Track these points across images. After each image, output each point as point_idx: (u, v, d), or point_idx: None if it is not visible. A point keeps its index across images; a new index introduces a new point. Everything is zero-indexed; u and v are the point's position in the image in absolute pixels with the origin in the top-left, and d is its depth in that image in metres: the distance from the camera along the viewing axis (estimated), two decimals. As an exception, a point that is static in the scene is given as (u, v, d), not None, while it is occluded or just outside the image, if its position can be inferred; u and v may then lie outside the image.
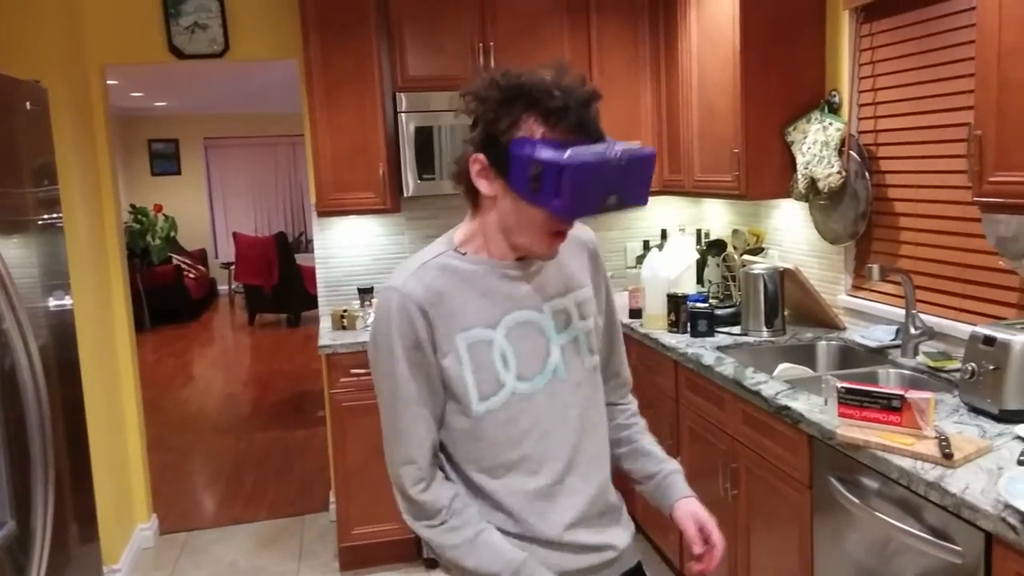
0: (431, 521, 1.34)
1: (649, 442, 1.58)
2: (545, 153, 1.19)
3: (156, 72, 7.30)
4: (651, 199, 4.06)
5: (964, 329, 2.31)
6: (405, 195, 3.56)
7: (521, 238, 1.31)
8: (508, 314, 1.34)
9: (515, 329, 1.34)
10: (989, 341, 1.96)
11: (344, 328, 3.59)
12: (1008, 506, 1.47)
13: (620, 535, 1.45)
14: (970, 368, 2.01)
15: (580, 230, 1.45)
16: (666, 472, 1.54)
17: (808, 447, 2.12)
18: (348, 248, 3.93)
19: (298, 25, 3.49)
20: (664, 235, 3.93)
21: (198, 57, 3.70)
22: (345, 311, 3.61)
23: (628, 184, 1.23)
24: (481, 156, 1.27)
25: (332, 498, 3.93)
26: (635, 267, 3.98)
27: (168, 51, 3.68)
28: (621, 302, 3.70)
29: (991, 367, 1.94)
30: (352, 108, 3.47)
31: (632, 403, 1.63)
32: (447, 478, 1.38)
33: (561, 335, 1.37)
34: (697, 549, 1.46)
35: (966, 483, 1.60)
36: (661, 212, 4.19)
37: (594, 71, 3.70)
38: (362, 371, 3.38)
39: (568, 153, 1.18)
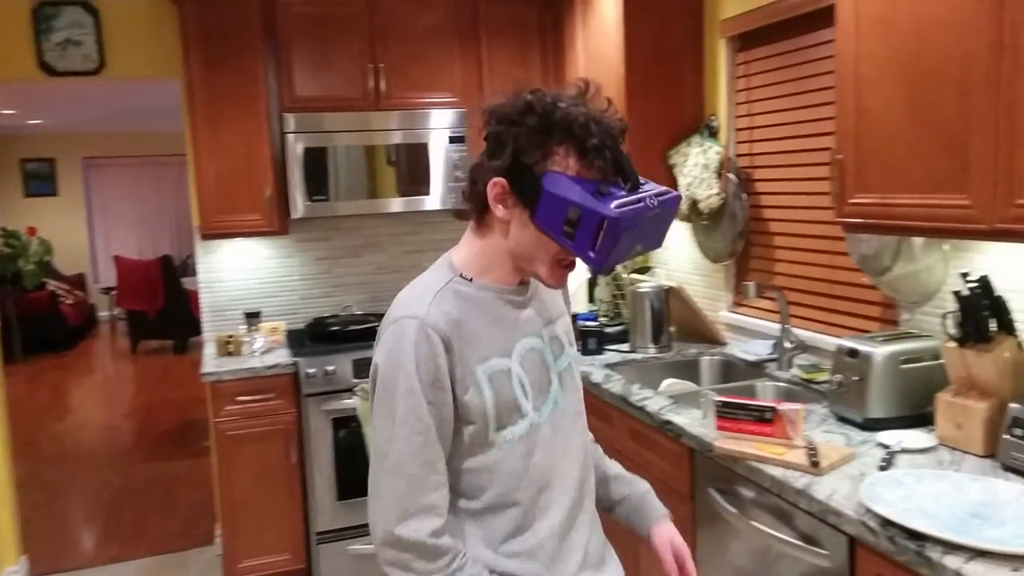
0: (437, 564, 1.20)
1: (614, 465, 1.53)
2: (588, 200, 1.13)
3: (30, 89, 6.89)
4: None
5: (833, 342, 2.43)
6: (293, 217, 3.48)
7: (532, 266, 1.26)
8: (519, 341, 1.28)
9: (526, 357, 1.29)
10: (853, 353, 2.07)
11: (230, 354, 3.47)
12: (869, 510, 1.54)
13: (616, 570, 1.44)
14: (837, 379, 2.12)
15: None
16: (639, 493, 1.50)
17: (689, 460, 2.18)
18: (234, 271, 3.81)
19: (179, 42, 3.38)
20: (556, 256, 3.99)
21: (71, 75, 3.52)
22: (231, 337, 3.49)
23: (654, 231, 1.20)
24: (503, 181, 1.20)
25: (218, 531, 3.77)
26: (528, 287, 4.02)
27: (38, 68, 3.49)
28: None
29: (855, 378, 2.05)
30: (237, 128, 3.38)
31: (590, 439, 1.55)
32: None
33: (558, 362, 1.34)
34: None
35: (832, 489, 1.68)
36: (553, 233, 4.24)
37: (485, 93, 3.73)
38: (248, 399, 3.27)
39: (614, 205, 1.13)
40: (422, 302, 1.23)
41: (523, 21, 3.76)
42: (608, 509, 1.51)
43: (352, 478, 3.33)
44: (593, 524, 1.40)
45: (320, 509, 3.34)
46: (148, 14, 3.58)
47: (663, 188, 1.20)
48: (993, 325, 1.82)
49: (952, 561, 1.35)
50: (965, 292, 1.82)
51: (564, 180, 1.16)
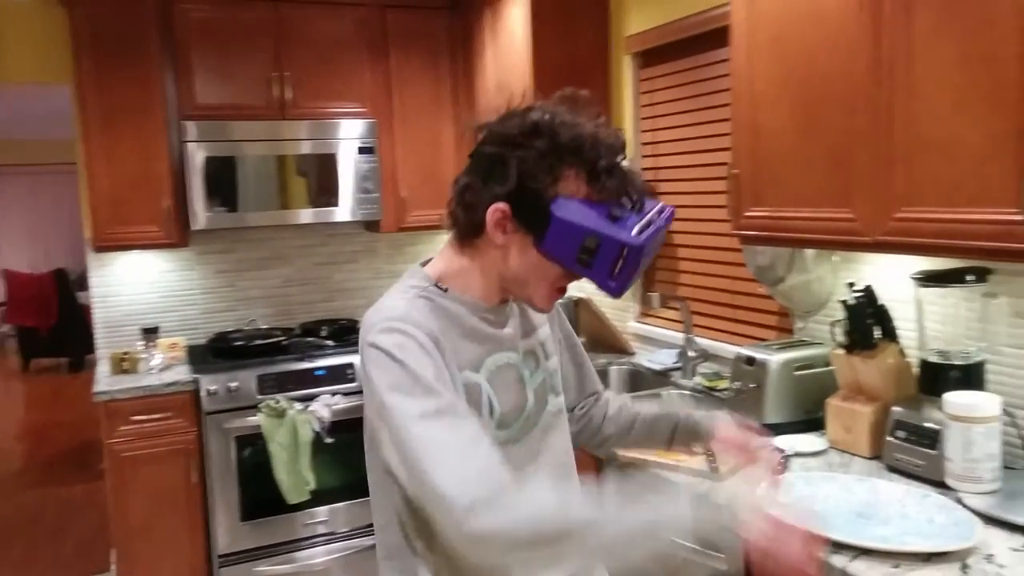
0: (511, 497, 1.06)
1: (648, 406, 1.49)
2: (606, 227, 1.10)
3: (-95, 90, 6.47)
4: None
5: (733, 351, 2.50)
6: (194, 228, 3.37)
7: (524, 290, 1.20)
8: (490, 356, 1.23)
9: (496, 373, 1.23)
10: (750, 361, 2.14)
11: (125, 372, 3.31)
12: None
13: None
14: (736, 387, 2.18)
15: None
16: (683, 416, 1.45)
17: (595, 469, 2.20)
18: (131, 285, 3.65)
19: (70, 47, 3.22)
20: (467, 267, 3.99)
21: (-51, 76, 3.32)
22: (126, 353, 3.34)
23: (656, 246, 1.17)
24: (505, 207, 1.14)
25: (113, 557, 3.59)
26: (439, 300, 4.00)
27: (-85, 70, 3.28)
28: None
29: (753, 385, 2.12)
30: (133, 136, 3.25)
31: (612, 397, 1.52)
32: (414, 552, 1.22)
33: (533, 377, 1.28)
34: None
35: (730, 494, 1.72)
36: (465, 245, 4.24)
37: (394, 104, 3.71)
38: (144, 418, 3.14)
39: (634, 232, 1.09)
40: (397, 310, 1.16)
41: (432, 32, 3.76)
42: (666, 446, 1.47)
43: (257, 498, 3.23)
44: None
45: (223, 531, 3.22)
46: (37, 16, 3.41)
47: (660, 204, 1.18)
48: (878, 332, 1.91)
49: (839, 560, 1.40)
50: (851, 301, 1.91)
51: (576, 206, 1.11)
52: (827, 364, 2.08)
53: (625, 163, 1.15)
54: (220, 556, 3.23)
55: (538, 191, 1.12)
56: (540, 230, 1.13)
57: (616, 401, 1.51)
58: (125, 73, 3.23)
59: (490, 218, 1.15)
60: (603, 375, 3.06)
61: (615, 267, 1.11)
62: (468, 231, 1.20)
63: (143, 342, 3.44)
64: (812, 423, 2.08)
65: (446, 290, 1.21)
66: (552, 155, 1.12)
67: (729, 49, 2.12)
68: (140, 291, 3.66)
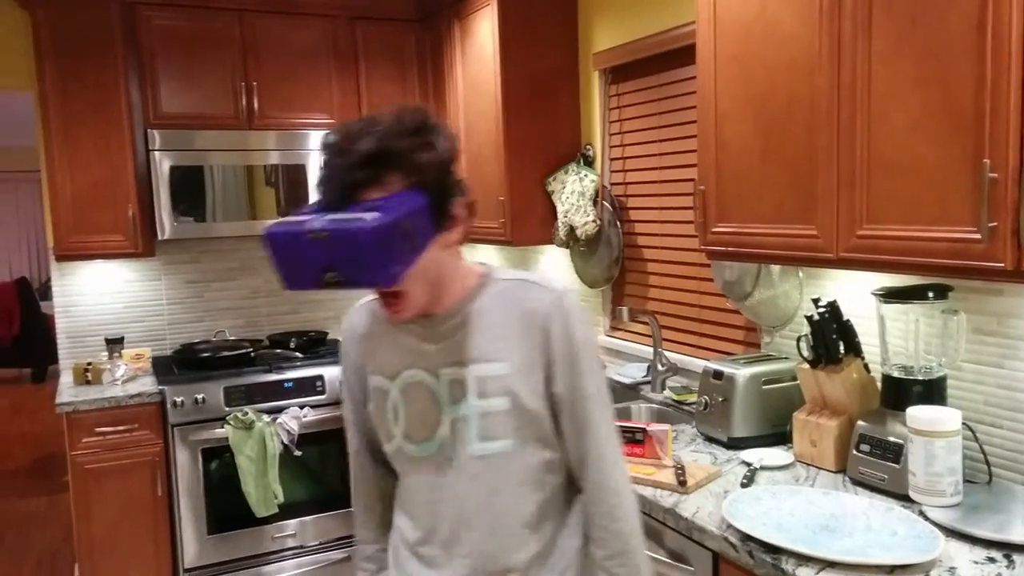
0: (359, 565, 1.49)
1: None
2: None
3: None
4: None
5: (701, 365, 2.53)
6: (160, 238, 3.33)
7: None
8: (407, 370, 1.25)
9: (409, 388, 1.25)
10: (718, 375, 2.17)
11: (88, 383, 3.26)
12: (730, 526, 1.61)
13: None
14: (704, 400, 2.20)
15: (534, 299, 1.24)
16: None
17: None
18: (95, 295, 3.59)
19: (31, 52, 3.18)
20: (438, 279, 3.98)
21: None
22: (90, 364, 3.29)
23: (345, 261, 1.07)
24: None
25: (77, 572, 3.52)
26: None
27: None
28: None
29: (720, 399, 2.14)
30: (96, 144, 3.20)
31: (604, 537, 1.25)
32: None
33: (454, 407, 1.23)
34: None
35: (697, 507, 1.74)
36: (435, 256, 4.24)
37: (363, 114, 3.69)
38: (109, 430, 3.09)
39: (269, 224, 1.11)
40: (347, 315, 1.37)
41: (401, 44, 3.76)
42: None
43: (225, 511, 3.19)
44: None
45: (190, 544, 3.17)
46: (-2, 19, 3.36)
47: (355, 216, 1.07)
48: (842, 347, 1.94)
49: (804, 572, 1.42)
50: (816, 317, 1.94)
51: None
52: (794, 378, 2.11)
53: (338, 162, 1.12)
54: (186, 570, 3.19)
55: None
56: None
57: (607, 557, 1.25)
58: (89, 79, 3.19)
59: None
60: (573, 387, 3.06)
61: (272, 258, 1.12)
62: None
63: (107, 353, 3.38)
64: (779, 437, 2.10)
65: None
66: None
67: (695, 67, 2.14)
68: (104, 301, 3.60)
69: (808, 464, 1.96)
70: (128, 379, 3.31)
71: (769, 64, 1.87)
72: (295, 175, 3.52)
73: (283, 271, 1.11)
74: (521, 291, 1.25)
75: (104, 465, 3.11)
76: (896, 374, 1.81)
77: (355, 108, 3.67)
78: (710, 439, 2.19)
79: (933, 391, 1.76)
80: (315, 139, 3.54)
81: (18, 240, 10.89)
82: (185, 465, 3.15)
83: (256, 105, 3.46)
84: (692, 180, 2.68)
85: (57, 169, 3.18)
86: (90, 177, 3.21)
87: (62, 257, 3.26)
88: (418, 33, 3.77)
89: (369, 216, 1.05)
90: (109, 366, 3.32)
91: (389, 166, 1.11)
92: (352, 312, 1.37)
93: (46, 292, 9.81)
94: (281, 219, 1.11)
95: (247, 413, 3.16)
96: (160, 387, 3.18)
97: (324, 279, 1.08)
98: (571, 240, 3.15)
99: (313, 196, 3.53)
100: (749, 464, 1.95)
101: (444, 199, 1.16)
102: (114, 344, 3.38)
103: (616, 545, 1.25)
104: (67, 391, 3.19)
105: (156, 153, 3.26)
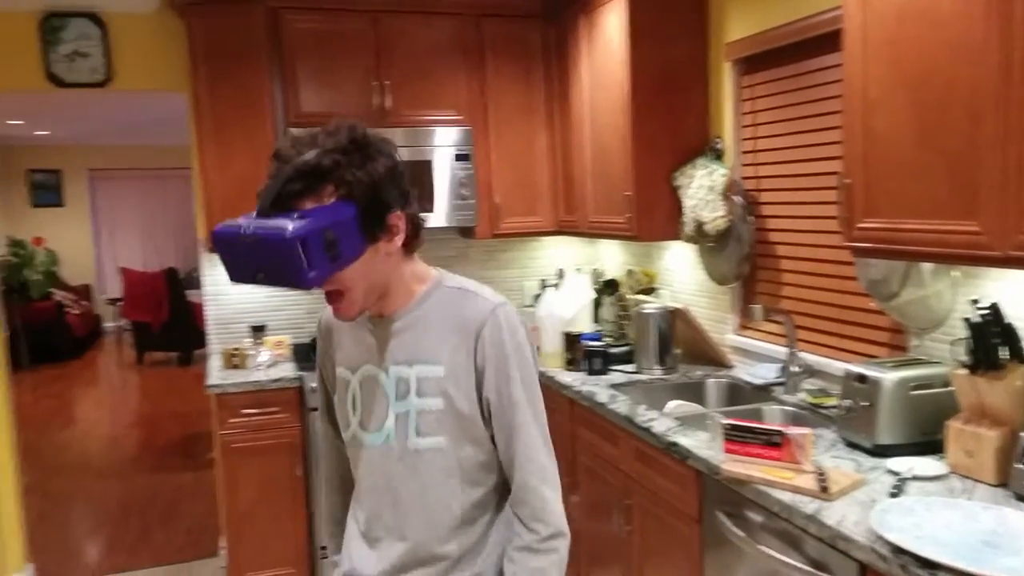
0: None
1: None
2: None
3: (36, 100, 6.94)
4: (548, 239, 4.18)
5: (841, 367, 2.42)
6: (300, 232, 3.48)
7: None
8: (365, 364, 1.39)
9: (366, 381, 1.39)
10: (862, 379, 2.06)
11: (235, 367, 3.46)
12: (879, 537, 1.53)
13: None
14: (846, 405, 2.10)
15: (472, 308, 1.34)
16: None
17: (696, 482, 2.16)
18: (239, 285, 3.81)
19: (186, 56, 3.40)
20: (561, 274, 3.99)
21: (78, 86, 3.54)
22: (236, 350, 3.49)
23: (269, 264, 1.18)
24: None
25: (222, 543, 3.75)
26: (532, 306, 4.01)
27: (46, 79, 3.51)
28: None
29: (864, 404, 2.04)
30: (243, 142, 3.39)
31: (527, 532, 1.34)
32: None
33: (399, 402, 1.35)
34: None
35: (841, 515, 1.66)
36: (558, 252, 4.25)
37: (489, 111, 3.75)
38: (253, 411, 3.27)
39: (219, 224, 1.23)
40: (325, 309, 1.42)
41: (527, 40, 3.78)
42: None
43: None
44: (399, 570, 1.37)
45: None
46: (155, 27, 3.60)
47: (277, 224, 1.16)
48: (1004, 353, 1.81)
49: (964, 593, 1.33)
50: (976, 319, 1.81)
51: None
52: (946, 384, 1.98)
53: (277, 170, 1.22)
54: (322, 547, 3.34)
55: None
56: None
57: (518, 548, 1.34)
58: (237, 82, 3.37)
59: None
60: (699, 388, 3.00)
61: None
62: None
63: (251, 339, 3.58)
64: (928, 445, 1.98)
65: None
66: None
67: (840, 54, 2.04)
68: (249, 290, 3.81)
69: (964, 476, 1.84)
70: (271, 364, 3.49)
71: (926, 47, 1.76)
72: (421, 171, 3.60)
73: (227, 266, 1.24)
74: (461, 300, 1.35)
75: (248, 444, 3.29)
76: (1068, 383, 1.66)
77: (481, 104, 3.72)
78: (852, 445, 2.09)
79: (1112, 402, 1.62)
80: (441, 136, 3.61)
81: (166, 233, 11.71)
82: (320, 448, 3.30)
83: (389, 103, 3.57)
84: (833, 173, 2.56)
85: (208, 166, 3.38)
86: (237, 173, 3.39)
87: (212, 249, 3.47)
88: (543, 29, 3.78)
89: (291, 225, 1.16)
90: (253, 352, 3.52)
91: (324, 179, 1.21)
92: (320, 319, 1.51)
93: (191, 281, 10.51)
94: (229, 220, 1.22)
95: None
96: (299, 373, 3.34)
97: (256, 277, 1.22)
98: (699, 236, 3.08)
99: (442, 192, 3.64)
100: (897, 473, 1.85)
101: (378, 211, 1.25)
102: (257, 331, 3.58)
103: (526, 539, 1.34)
104: (216, 374, 3.40)
105: (296, 151, 3.41)
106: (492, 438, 1.36)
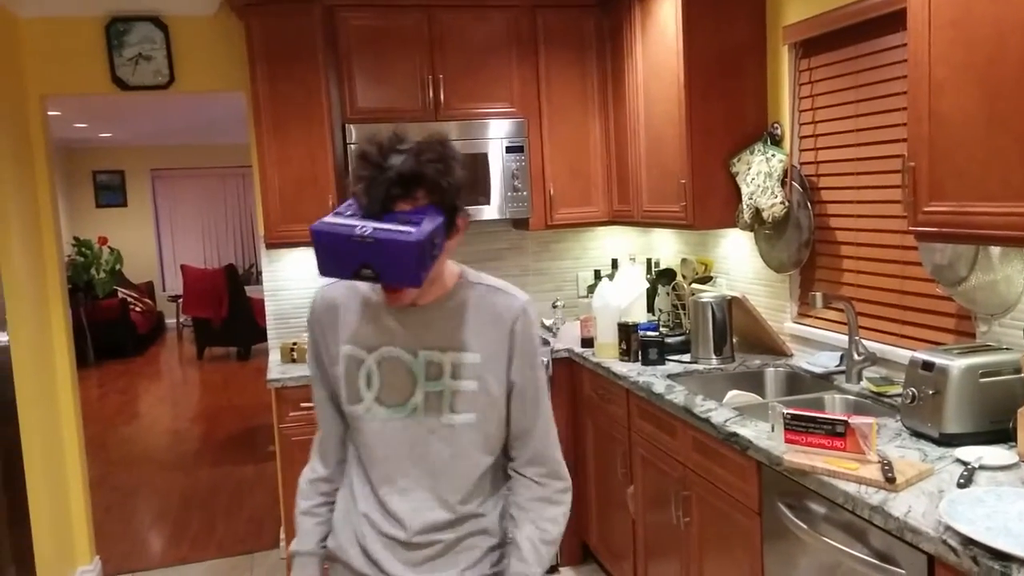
0: (298, 502, 1.67)
1: (525, 536, 1.53)
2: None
3: (100, 103, 7.18)
4: (602, 229, 4.17)
5: (905, 355, 2.36)
6: (356, 226, 3.53)
7: None
8: (385, 346, 1.48)
9: (385, 362, 1.48)
10: (928, 366, 2.01)
11: (294, 361, 3.54)
12: (949, 528, 1.50)
13: None
14: (911, 393, 2.05)
15: (505, 304, 1.50)
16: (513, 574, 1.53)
17: (757, 473, 2.14)
18: (298, 280, 3.89)
19: (245, 57, 3.47)
20: (615, 264, 3.97)
21: (142, 89, 3.65)
22: (295, 344, 3.56)
23: (383, 262, 1.30)
24: None
25: (283, 535, 3.84)
26: (587, 296, 4.01)
27: (111, 82, 3.62)
28: (573, 332, 3.72)
29: (931, 392, 1.99)
30: (300, 140, 3.45)
31: (541, 487, 1.56)
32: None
33: (429, 383, 1.47)
34: None
35: (908, 506, 1.63)
36: (612, 242, 4.24)
37: (543, 102, 3.75)
38: (311, 405, 3.32)
39: (318, 222, 1.33)
40: (322, 290, 1.55)
41: (580, 30, 3.77)
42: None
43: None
44: (420, 527, 1.49)
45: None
46: (215, 29, 3.69)
47: (403, 229, 1.29)
48: (1079, 338, 1.75)
49: (1040, 584, 1.30)
50: (1049, 303, 1.75)
51: (341, 206, 1.40)
52: (1017, 371, 1.92)
53: (378, 176, 1.33)
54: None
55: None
56: None
57: (534, 499, 1.55)
58: (294, 80, 3.43)
59: None
60: (758, 377, 2.97)
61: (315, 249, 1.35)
62: None
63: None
64: (998, 434, 1.92)
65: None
66: (355, 163, 1.40)
67: (904, 34, 1.99)
68: (307, 285, 3.89)
69: (1036, 466, 1.78)
70: (327, 358, 3.55)
71: (998, 24, 1.70)
72: (476, 163, 3.62)
73: (322, 261, 1.33)
74: (494, 296, 1.51)
75: (307, 437, 3.29)
76: None
77: (534, 95, 3.73)
78: (917, 434, 2.04)
79: None
80: (495, 128, 3.63)
81: (225, 229, 12.00)
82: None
83: (442, 97, 3.59)
84: (896, 157, 2.50)
85: (267, 163, 3.45)
86: (295, 170, 3.46)
87: (272, 245, 3.54)
88: (597, 18, 3.77)
89: (413, 230, 1.30)
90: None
91: (421, 186, 1.34)
92: (328, 288, 1.54)
93: (249, 277, 10.76)
94: (325, 219, 1.34)
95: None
96: (356, 366, 3.39)
97: (360, 272, 1.32)
98: (756, 223, 3.04)
99: (496, 183, 3.66)
100: (966, 463, 1.80)
101: (454, 214, 1.40)
102: (315, 325, 3.64)
103: (541, 492, 1.55)
104: (276, 368, 3.47)
105: (352, 147, 3.47)
106: (507, 416, 1.53)
